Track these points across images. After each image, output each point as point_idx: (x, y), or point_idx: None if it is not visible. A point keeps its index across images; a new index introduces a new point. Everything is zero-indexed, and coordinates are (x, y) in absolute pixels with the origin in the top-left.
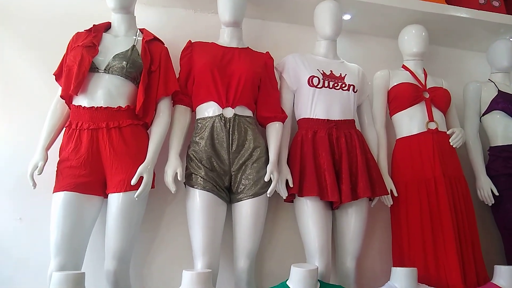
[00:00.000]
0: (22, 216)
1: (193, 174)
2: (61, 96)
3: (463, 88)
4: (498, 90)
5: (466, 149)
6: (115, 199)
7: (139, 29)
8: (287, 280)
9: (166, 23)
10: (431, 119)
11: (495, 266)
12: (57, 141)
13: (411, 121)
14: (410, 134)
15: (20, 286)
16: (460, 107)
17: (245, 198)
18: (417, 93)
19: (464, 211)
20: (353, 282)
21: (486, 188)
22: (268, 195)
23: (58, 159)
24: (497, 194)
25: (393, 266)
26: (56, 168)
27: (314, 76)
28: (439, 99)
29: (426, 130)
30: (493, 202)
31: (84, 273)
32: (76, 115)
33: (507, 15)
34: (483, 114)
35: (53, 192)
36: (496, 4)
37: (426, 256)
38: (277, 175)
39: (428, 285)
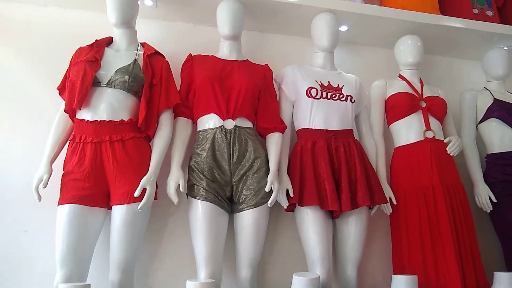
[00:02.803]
0: (27, 228)
1: (195, 185)
2: (64, 110)
3: (459, 97)
4: (494, 98)
5: (463, 156)
6: (118, 211)
7: (140, 43)
8: None
9: (167, 37)
10: (428, 127)
11: (495, 272)
12: (62, 154)
13: (408, 130)
14: (407, 143)
15: None
16: (457, 115)
17: (247, 208)
18: (413, 102)
19: (462, 218)
20: None
21: (484, 195)
22: (269, 205)
23: (63, 172)
24: (495, 200)
25: (394, 274)
26: (60, 181)
27: (312, 88)
28: (436, 108)
29: (423, 138)
30: (491, 209)
31: (89, 284)
32: (80, 129)
33: (500, 24)
34: (480, 122)
35: (58, 205)
36: (490, 13)
37: (426, 263)
38: (278, 185)
39: None
